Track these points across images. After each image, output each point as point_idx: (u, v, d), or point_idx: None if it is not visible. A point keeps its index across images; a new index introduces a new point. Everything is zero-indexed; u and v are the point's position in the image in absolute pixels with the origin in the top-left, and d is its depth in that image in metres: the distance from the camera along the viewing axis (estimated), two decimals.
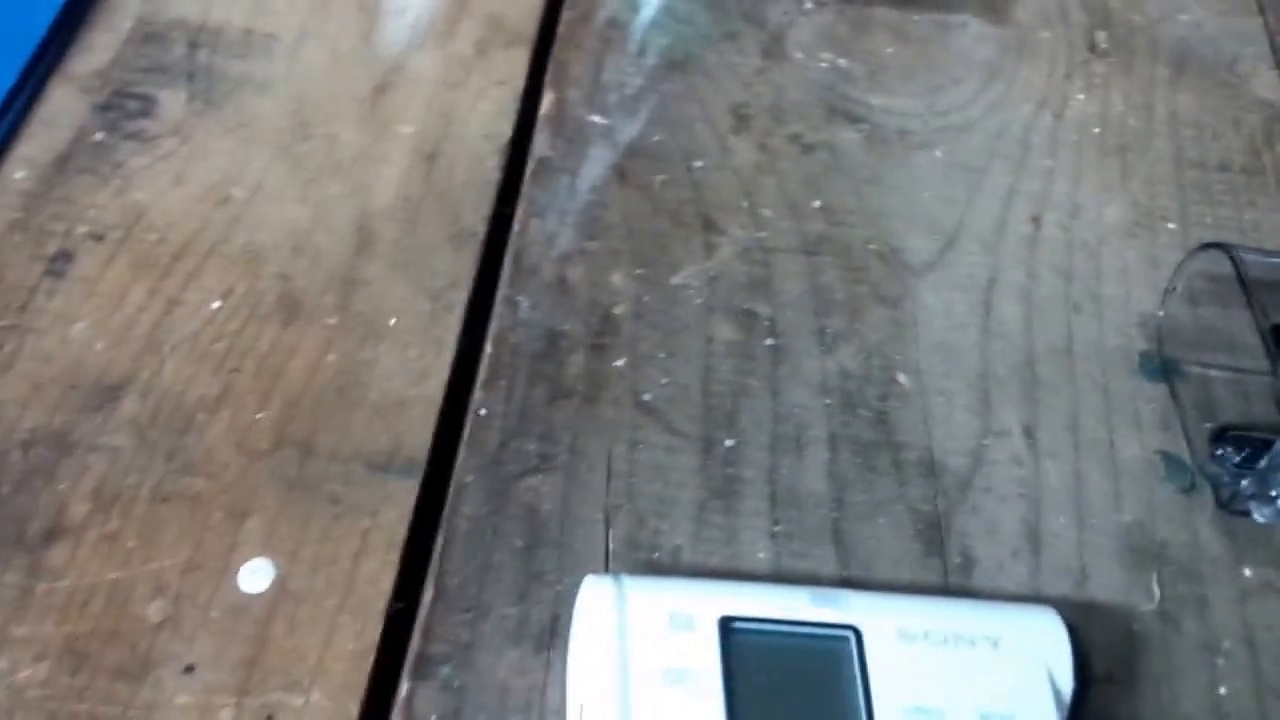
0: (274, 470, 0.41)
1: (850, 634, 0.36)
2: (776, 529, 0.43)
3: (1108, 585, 0.43)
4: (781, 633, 0.35)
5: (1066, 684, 0.36)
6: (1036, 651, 0.36)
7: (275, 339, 0.44)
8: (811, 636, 0.35)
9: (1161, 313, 0.50)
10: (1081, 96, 0.59)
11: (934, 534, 0.43)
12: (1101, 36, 0.62)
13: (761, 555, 0.42)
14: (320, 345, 0.44)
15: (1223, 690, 0.41)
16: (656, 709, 0.33)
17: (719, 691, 0.34)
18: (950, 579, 0.42)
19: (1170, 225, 0.54)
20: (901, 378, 0.47)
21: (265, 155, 0.50)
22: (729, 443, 0.45)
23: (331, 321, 0.45)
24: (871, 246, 0.51)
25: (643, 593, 0.36)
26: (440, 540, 0.41)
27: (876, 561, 0.43)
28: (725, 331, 0.48)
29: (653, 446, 0.44)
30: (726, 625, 0.35)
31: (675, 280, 0.49)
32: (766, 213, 0.52)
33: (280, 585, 0.39)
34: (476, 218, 0.50)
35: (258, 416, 0.42)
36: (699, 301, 0.49)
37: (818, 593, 0.37)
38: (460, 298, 0.47)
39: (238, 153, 0.51)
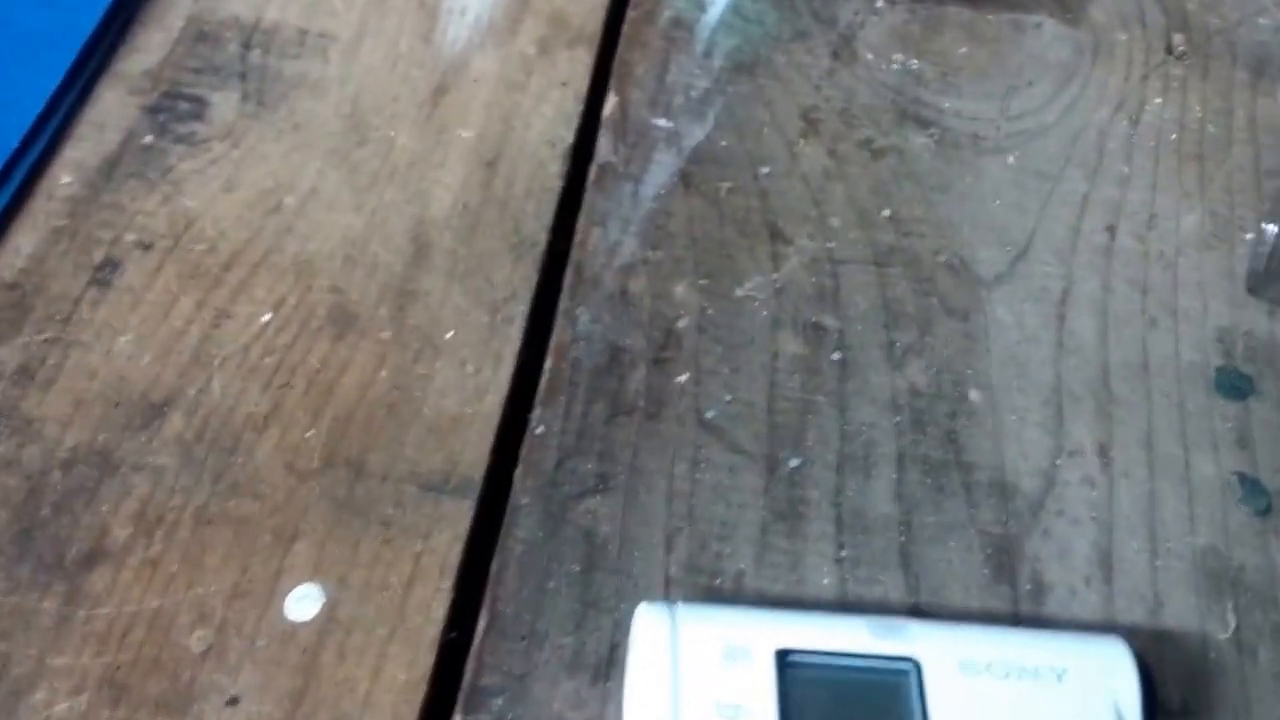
0: (324, 491, 0.41)
1: (910, 666, 0.34)
2: (843, 554, 0.42)
3: (1182, 612, 0.41)
4: (839, 665, 0.34)
5: (1134, 717, 0.34)
6: (1103, 683, 0.35)
7: (327, 353, 0.44)
8: (870, 670, 0.34)
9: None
10: (1159, 100, 0.57)
11: (1004, 559, 0.42)
12: (1179, 39, 0.60)
13: (826, 581, 0.41)
14: (374, 360, 0.44)
15: None
16: None
17: None
18: (1021, 606, 0.41)
19: (1248, 236, 0.52)
20: (972, 394, 0.46)
21: (319, 160, 0.50)
22: (794, 462, 0.44)
23: (385, 335, 0.44)
24: (941, 257, 0.50)
25: (697, 623, 0.35)
26: (494, 565, 0.40)
27: (945, 588, 0.41)
28: (791, 346, 0.47)
29: (715, 466, 0.43)
30: (783, 658, 0.34)
31: (740, 292, 0.48)
32: (835, 221, 0.51)
33: (329, 612, 0.38)
34: (537, 226, 0.49)
35: (307, 435, 0.41)
36: (765, 314, 0.48)
37: (877, 623, 0.36)
38: (520, 310, 0.46)
39: (291, 157, 0.50)
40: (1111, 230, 0.52)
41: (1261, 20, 0.61)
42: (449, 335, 0.45)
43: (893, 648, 0.35)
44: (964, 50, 0.58)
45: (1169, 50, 0.59)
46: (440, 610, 0.39)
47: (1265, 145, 0.56)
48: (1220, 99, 0.57)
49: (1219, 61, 0.59)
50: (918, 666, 0.35)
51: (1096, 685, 0.35)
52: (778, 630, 0.35)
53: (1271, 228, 0.48)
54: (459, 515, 0.41)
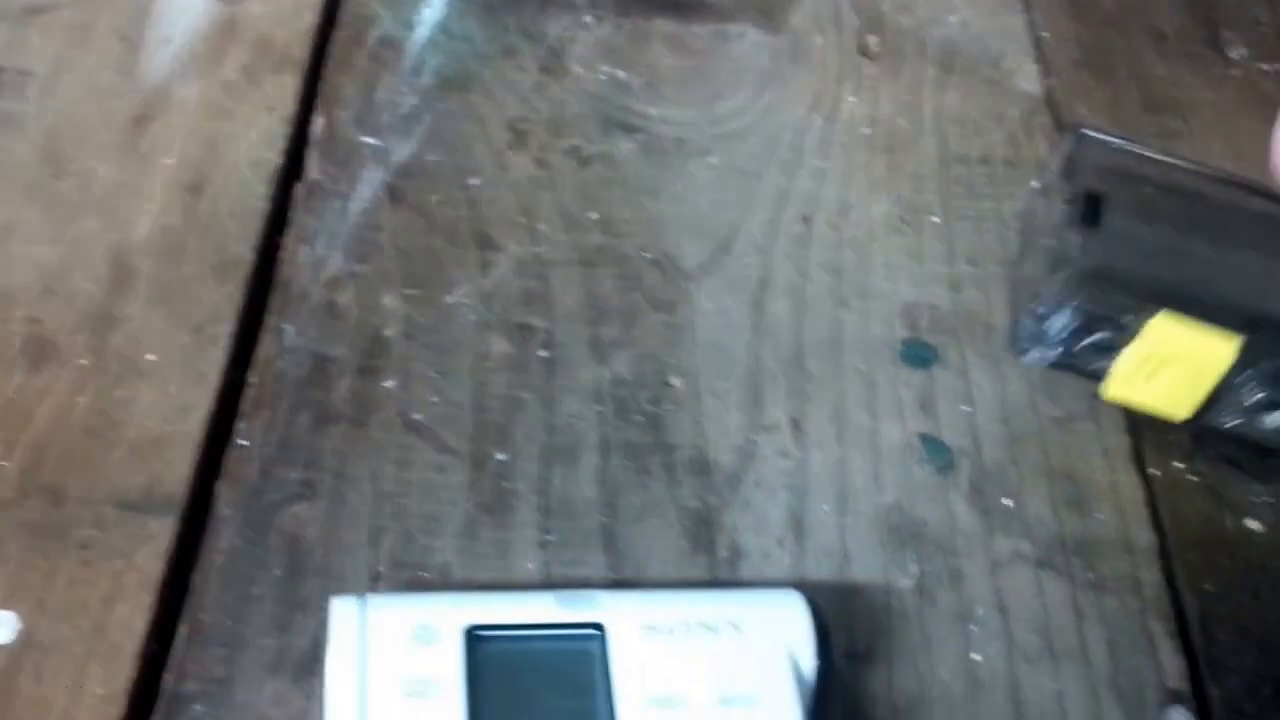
0: (19, 519, 0.40)
1: (596, 633, 0.36)
2: (548, 538, 0.43)
3: (868, 565, 0.44)
4: (527, 637, 0.36)
5: (809, 661, 0.37)
6: (778, 633, 0.37)
7: (22, 384, 0.44)
8: (557, 639, 0.36)
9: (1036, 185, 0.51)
10: (853, 99, 0.61)
11: (703, 531, 0.44)
12: (873, 40, 0.64)
13: (531, 566, 0.42)
14: (72, 387, 0.44)
15: (976, 656, 0.42)
16: None
17: (461, 700, 0.34)
18: (718, 573, 0.43)
19: (934, 219, 0.55)
20: (674, 380, 0.48)
21: (16, 196, 0.49)
22: (501, 457, 0.45)
23: (84, 362, 0.44)
24: (647, 255, 0.52)
25: (387, 609, 0.36)
26: (196, 576, 0.40)
27: (647, 563, 0.43)
28: (499, 346, 0.48)
29: (423, 466, 0.44)
30: (471, 635, 0.35)
31: (449, 299, 0.49)
32: (543, 227, 0.53)
33: (25, 637, 0.38)
34: (243, 247, 0.49)
35: (1, 465, 0.41)
36: (473, 319, 0.49)
37: (566, 595, 0.37)
38: (224, 330, 0.47)
39: None
40: (808, 221, 0.55)
41: (950, 18, 0.66)
42: (151, 358, 0.45)
43: (580, 616, 0.37)
44: (670, 61, 0.61)
45: (862, 51, 0.63)
46: (140, 625, 0.39)
47: (951, 134, 0.60)
48: (910, 94, 0.61)
49: (910, 59, 0.63)
50: (603, 632, 0.36)
51: (773, 635, 0.37)
52: (468, 610, 0.36)
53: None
54: (161, 532, 0.41)
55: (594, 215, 0.53)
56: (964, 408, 0.49)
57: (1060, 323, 0.47)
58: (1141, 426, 0.49)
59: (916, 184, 0.57)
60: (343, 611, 0.36)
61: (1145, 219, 0.49)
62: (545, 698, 0.35)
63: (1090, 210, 0.48)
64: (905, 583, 0.44)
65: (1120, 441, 0.49)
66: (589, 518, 0.44)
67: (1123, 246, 0.48)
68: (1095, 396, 0.49)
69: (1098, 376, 0.48)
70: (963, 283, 0.53)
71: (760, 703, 0.35)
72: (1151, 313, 0.46)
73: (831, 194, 0.56)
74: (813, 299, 0.52)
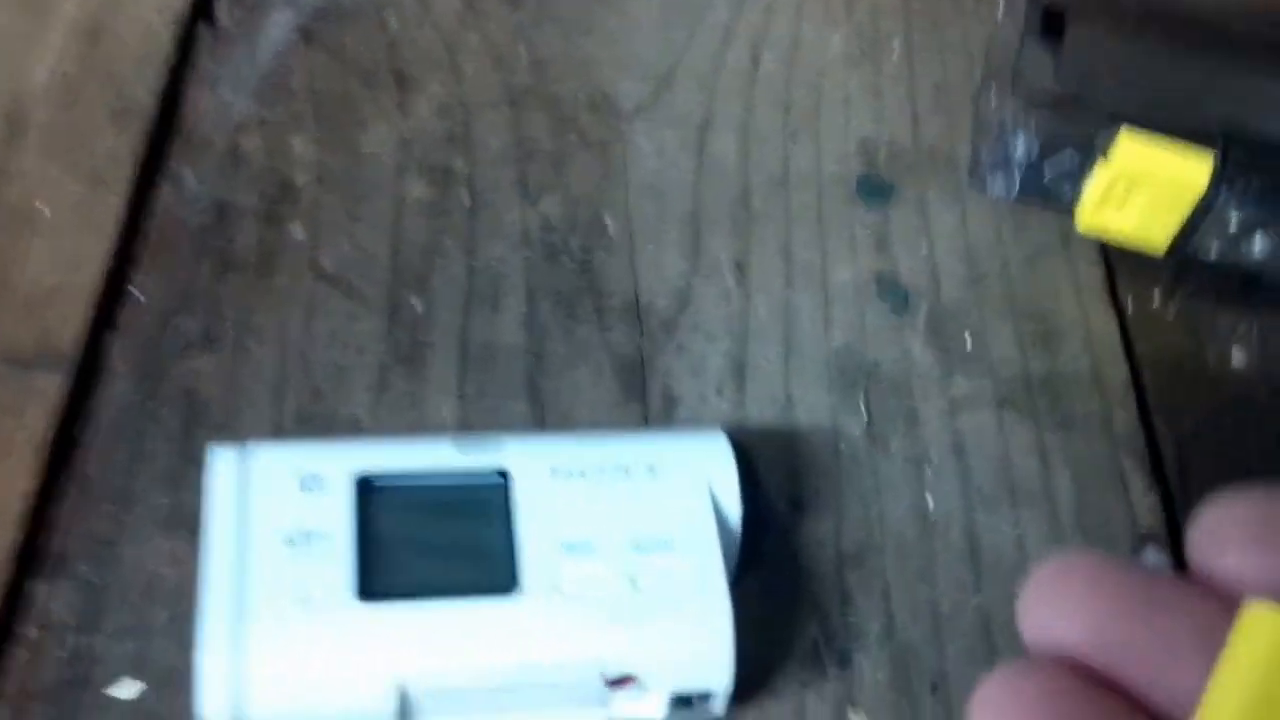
0: None
1: (498, 478, 0.33)
2: (466, 389, 0.40)
3: (816, 411, 0.41)
4: (423, 485, 0.33)
5: (732, 503, 0.34)
6: (699, 476, 0.34)
7: None
8: (455, 486, 0.33)
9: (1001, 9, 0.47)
10: None
11: (635, 378, 0.41)
12: None
13: (448, 417, 0.40)
14: None
15: (931, 500, 0.39)
16: (278, 575, 0.30)
17: (349, 550, 0.31)
18: (651, 421, 0.40)
19: (895, 51, 0.52)
20: (609, 223, 0.45)
21: None
22: (417, 305, 0.42)
23: None
24: (581, 95, 0.49)
25: (271, 458, 0.33)
26: (87, 432, 0.38)
27: (574, 411, 0.40)
28: (418, 191, 0.45)
29: (332, 315, 0.41)
30: (363, 483, 0.32)
31: (365, 143, 0.46)
32: (469, 68, 0.49)
33: None
34: (143, 93, 0.46)
35: None
36: (390, 163, 0.46)
37: (466, 441, 0.34)
38: (122, 178, 0.43)
39: None
40: (756, 58, 0.51)
41: None
42: (44, 210, 0.42)
43: (481, 462, 0.34)
44: None
45: None
46: (26, 483, 0.36)
47: None
48: None
49: None
50: (506, 477, 0.33)
51: (692, 476, 0.34)
52: (359, 457, 0.33)
53: None
54: (51, 388, 0.38)
55: (524, 55, 0.50)
56: (923, 246, 0.46)
57: (1022, 147, 0.43)
58: (1116, 260, 0.46)
59: (875, 15, 0.53)
60: (222, 460, 0.33)
61: (1110, 34, 0.45)
62: (442, 547, 0.32)
63: (1051, 27, 0.44)
64: (855, 428, 0.41)
65: (1092, 275, 0.45)
66: (512, 366, 0.41)
67: (1086, 64, 0.44)
68: (1066, 232, 0.46)
69: (1068, 207, 0.45)
70: (925, 116, 0.49)
71: (676, 547, 0.32)
72: (1118, 132, 0.42)
73: (783, 28, 0.52)
74: (760, 136, 0.48)
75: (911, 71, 0.51)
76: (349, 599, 0.30)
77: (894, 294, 0.44)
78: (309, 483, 0.32)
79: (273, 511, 0.31)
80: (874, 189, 0.47)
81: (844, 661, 0.36)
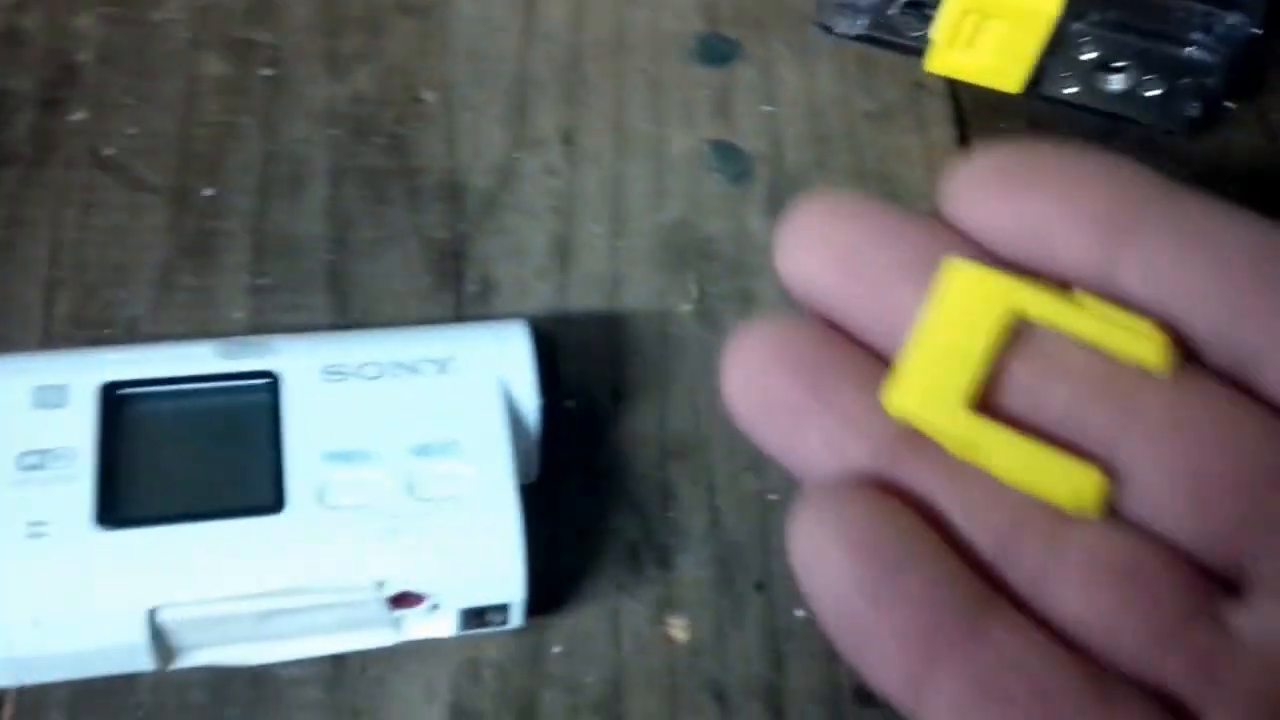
0: None
1: (264, 382, 0.30)
2: (260, 282, 0.37)
3: (643, 291, 0.38)
4: (178, 393, 0.30)
5: (528, 397, 0.31)
6: (490, 371, 0.31)
7: None
8: (215, 392, 0.30)
9: None
10: None
11: (449, 263, 0.38)
12: None
13: (239, 315, 0.36)
14: None
15: None
16: (8, 503, 0.27)
17: (90, 471, 0.28)
18: (465, 310, 0.37)
19: None
20: (426, 95, 0.41)
21: None
22: (208, 192, 0.39)
23: None
24: None
25: (1, 370, 0.29)
26: None
27: (380, 303, 0.37)
28: (214, 67, 0.41)
29: (112, 208, 0.38)
30: (109, 394, 0.29)
31: (157, 15, 0.42)
32: None
33: None
34: None
35: None
36: (185, 36, 0.42)
37: (229, 344, 0.31)
38: None
39: None
40: None
41: None
42: None
43: (245, 365, 0.31)
44: None
45: None
46: None
47: None
48: None
49: None
50: (274, 380, 0.30)
51: (483, 369, 0.31)
52: (105, 366, 0.30)
53: None
54: None
55: None
56: (766, 107, 0.42)
57: None
58: (969, 117, 0.42)
59: None
60: None
61: None
62: (198, 464, 0.29)
63: None
64: (686, 308, 0.38)
65: (945, 134, 0.42)
66: (312, 256, 0.38)
67: None
68: (918, 86, 0.43)
69: (919, 50, 0.42)
70: None
71: (461, 451, 0.30)
72: None
73: None
74: None
75: None
76: (88, 527, 0.27)
77: (733, 161, 0.41)
78: (47, 397, 0.29)
79: (4, 432, 0.28)
80: (715, 48, 0.43)
81: (664, 562, 0.34)
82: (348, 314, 0.37)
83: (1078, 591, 0.19)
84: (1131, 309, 0.19)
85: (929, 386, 0.19)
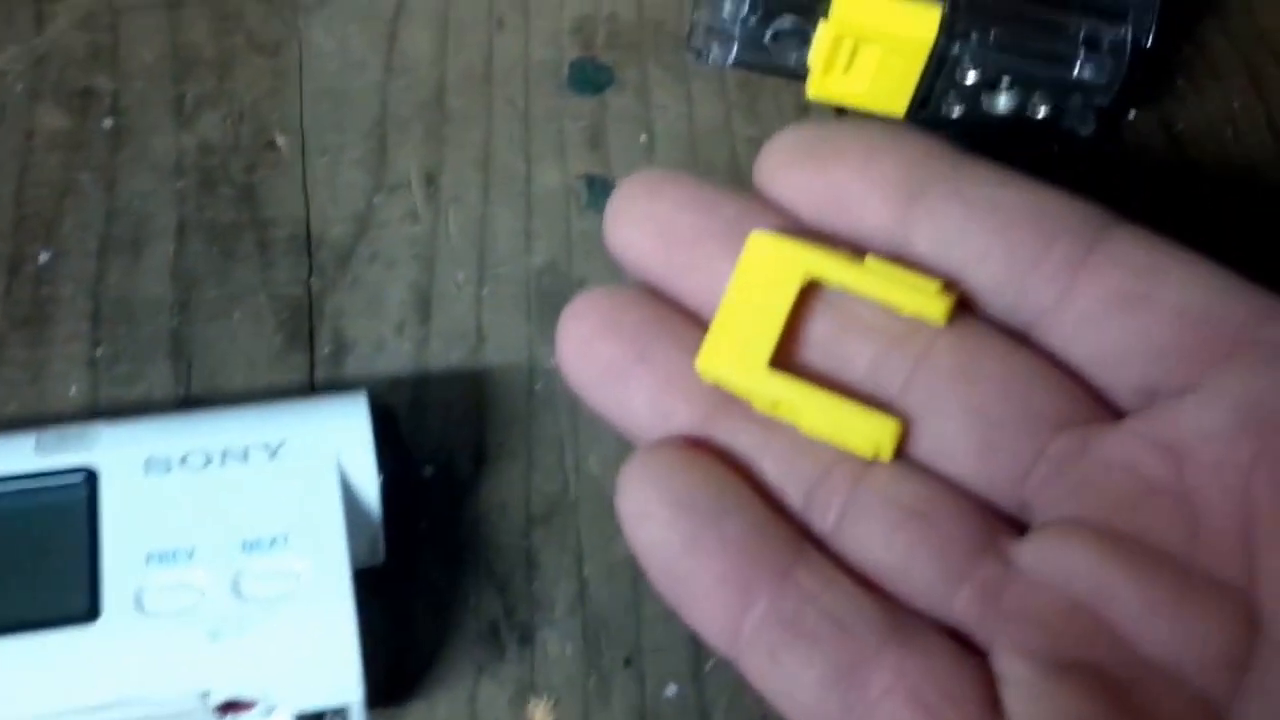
0: None
1: (81, 478, 0.28)
2: (98, 353, 0.35)
3: (510, 345, 0.36)
4: None
5: (368, 476, 0.29)
6: (326, 450, 0.29)
7: None
8: (25, 493, 0.28)
9: None
10: None
11: (301, 322, 0.36)
12: None
13: (75, 390, 0.34)
14: None
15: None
16: None
17: None
18: (318, 373, 0.35)
19: None
20: (279, 140, 0.39)
21: None
22: (44, 257, 0.36)
23: None
24: None
25: None
26: None
27: (226, 370, 0.35)
28: (52, 120, 0.39)
29: None
30: None
31: None
32: None
33: None
34: None
35: None
36: (20, 88, 0.39)
37: (50, 435, 0.29)
38: None
39: None
40: None
41: None
42: None
43: (65, 460, 0.28)
44: None
45: None
46: None
47: None
48: None
49: None
50: (92, 476, 0.28)
51: (319, 451, 0.29)
52: None
53: None
54: None
55: None
56: (642, 137, 0.40)
57: (728, 8, 0.38)
58: None
59: None
60: None
61: None
62: (7, 570, 0.27)
63: None
64: (554, 361, 0.36)
65: None
66: (154, 322, 0.36)
67: None
68: (803, 110, 0.41)
69: (801, 75, 0.40)
70: None
71: (292, 544, 0.28)
72: None
73: None
74: (461, 23, 0.42)
75: None
76: None
77: (607, 197, 0.39)
78: None
79: None
80: (589, 75, 0.41)
81: (527, 639, 0.32)
82: (191, 384, 0.35)
83: (875, 534, 0.21)
84: (925, 270, 0.21)
85: (734, 351, 0.21)
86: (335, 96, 0.40)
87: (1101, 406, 0.21)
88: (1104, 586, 0.19)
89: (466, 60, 0.41)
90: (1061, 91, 0.38)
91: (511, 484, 0.34)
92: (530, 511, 0.34)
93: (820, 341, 0.22)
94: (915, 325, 0.21)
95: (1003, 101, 0.39)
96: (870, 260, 0.21)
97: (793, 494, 0.21)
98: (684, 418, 0.22)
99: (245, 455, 0.29)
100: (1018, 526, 0.21)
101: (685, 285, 0.22)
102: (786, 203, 0.22)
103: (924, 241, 0.21)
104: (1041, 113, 0.39)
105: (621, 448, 0.34)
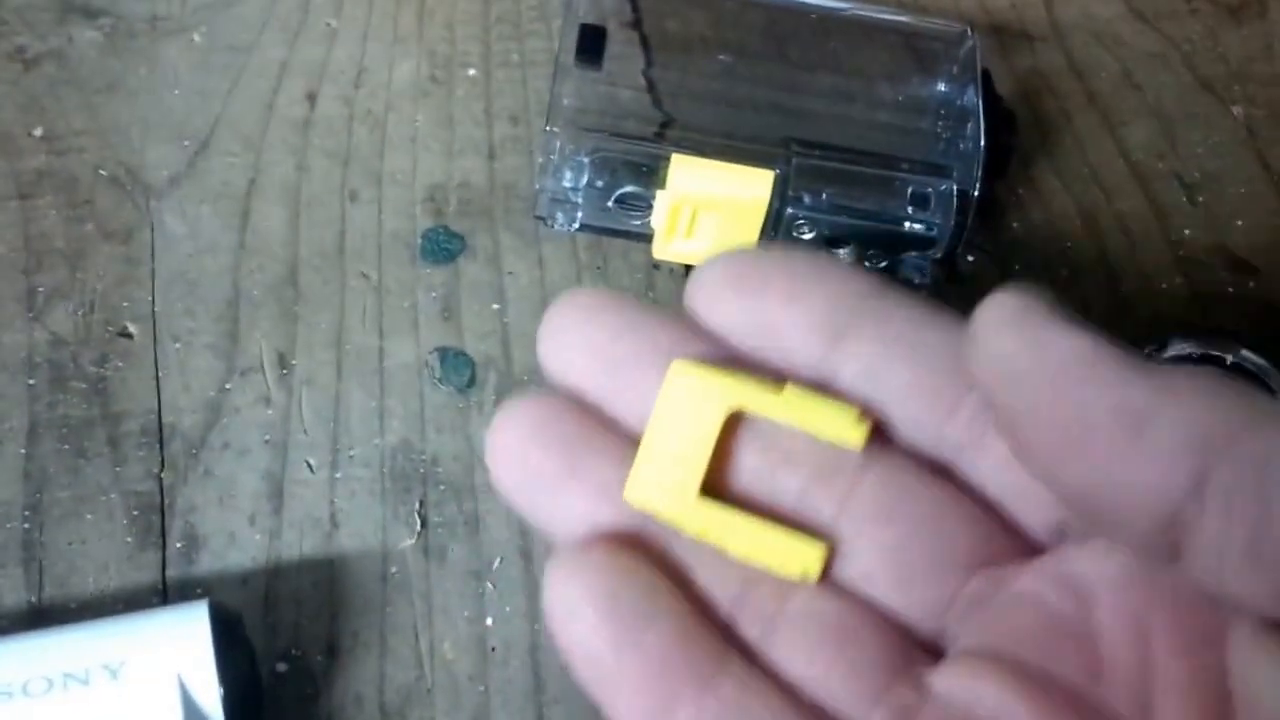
0: None
1: None
2: None
3: (363, 528, 0.36)
4: None
5: (209, 691, 0.29)
6: (166, 668, 0.29)
7: None
8: None
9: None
10: None
11: (153, 520, 0.36)
12: None
13: None
14: None
15: (489, 621, 0.35)
16: None
17: None
18: (170, 572, 0.35)
19: (471, 71, 0.46)
20: (131, 328, 0.39)
21: None
22: None
23: None
24: (103, 171, 0.43)
25: None
26: None
27: (77, 574, 0.35)
28: None
29: None
30: None
31: None
32: None
33: None
34: None
35: None
36: None
37: None
38: None
39: None
40: (312, 98, 0.45)
41: None
42: None
43: None
44: None
45: None
46: None
47: None
48: None
49: None
50: None
51: (159, 670, 0.29)
52: None
53: None
54: None
55: (38, 131, 0.43)
56: (494, 305, 0.41)
57: (570, 176, 0.39)
58: None
59: (449, 33, 0.48)
60: None
61: (658, 51, 0.41)
62: None
63: (590, 46, 0.40)
64: (408, 542, 0.36)
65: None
66: (4, 526, 0.35)
67: (628, 84, 0.40)
68: (654, 268, 0.42)
69: (646, 237, 0.41)
70: (502, 148, 0.45)
71: None
72: (669, 156, 0.38)
73: (344, 59, 0.47)
74: (313, 198, 0.43)
75: (489, 94, 0.46)
76: None
77: (459, 370, 0.39)
78: None
79: None
80: (441, 245, 0.42)
81: None
82: (43, 590, 0.35)
83: (798, 648, 0.21)
84: (850, 401, 0.22)
85: (661, 480, 0.21)
86: (187, 280, 0.41)
87: (1019, 541, 0.22)
88: (1007, 719, 0.20)
89: (319, 236, 0.42)
90: (894, 247, 0.39)
91: (365, 675, 0.34)
92: (384, 702, 0.34)
93: (752, 469, 0.22)
94: (841, 455, 0.22)
95: (842, 256, 0.40)
96: (790, 388, 0.22)
97: (720, 600, 0.22)
98: (615, 525, 0.22)
99: (87, 678, 0.29)
100: (935, 653, 0.22)
101: (615, 401, 0.22)
102: (716, 327, 0.22)
103: (849, 375, 0.22)
104: (881, 265, 0.40)
105: (474, 632, 0.34)
